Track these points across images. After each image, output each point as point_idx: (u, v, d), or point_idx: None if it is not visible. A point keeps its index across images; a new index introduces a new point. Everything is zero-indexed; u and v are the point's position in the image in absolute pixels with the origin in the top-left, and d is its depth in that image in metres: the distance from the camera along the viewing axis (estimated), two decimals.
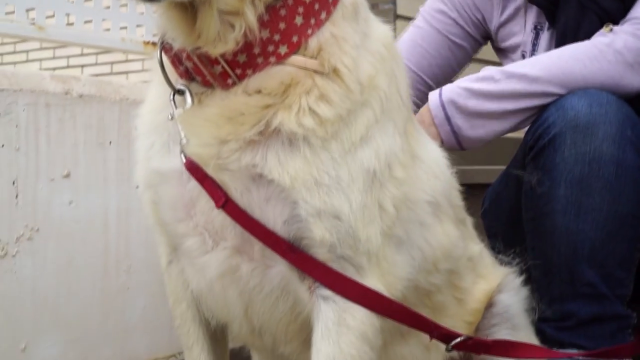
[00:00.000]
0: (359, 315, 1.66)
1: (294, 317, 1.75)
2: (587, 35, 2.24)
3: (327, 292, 1.66)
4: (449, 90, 2.27)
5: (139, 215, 2.87)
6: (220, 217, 1.69)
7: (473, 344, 1.89)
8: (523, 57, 2.55)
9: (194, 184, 1.70)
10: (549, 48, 2.43)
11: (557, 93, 2.15)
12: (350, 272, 1.66)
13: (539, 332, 2.17)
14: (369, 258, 1.68)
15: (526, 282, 2.15)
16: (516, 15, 2.58)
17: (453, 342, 1.85)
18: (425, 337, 1.91)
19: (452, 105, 2.23)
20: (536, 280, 2.18)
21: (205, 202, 1.70)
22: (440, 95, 2.28)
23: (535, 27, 2.51)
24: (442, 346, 1.97)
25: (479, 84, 2.21)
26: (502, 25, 2.64)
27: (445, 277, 1.95)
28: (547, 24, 2.47)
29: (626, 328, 2.18)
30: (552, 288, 2.15)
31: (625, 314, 2.17)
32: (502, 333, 2.07)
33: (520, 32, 2.57)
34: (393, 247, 1.74)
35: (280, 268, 1.69)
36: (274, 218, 1.64)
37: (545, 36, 2.47)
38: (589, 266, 2.09)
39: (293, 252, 1.65)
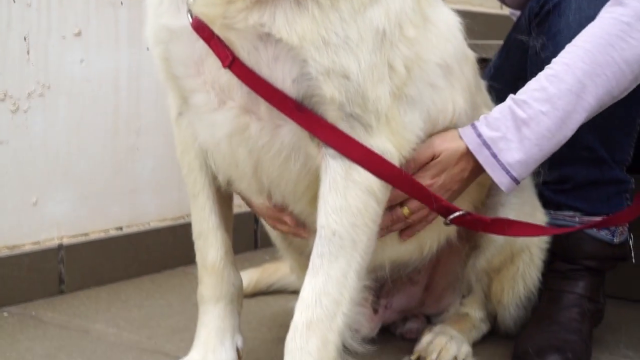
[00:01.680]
0: (364, 171, 1.69)
1: (303, 175, 1.78)
2: None
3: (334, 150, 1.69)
4: (498, 142, 1.89)
5: (149, 77, 2.89)
6: (227, 77, 1.71)
7: (471, 220, 1.92)
8: None
9: (202, 42, 1.71)
10: None
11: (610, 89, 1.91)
12: (359, 131, 1.68)
13: (540, 195, 2.21)
14: (377, 117, 1.70)
15: None
16: None
17: (451, 216, 1.89)
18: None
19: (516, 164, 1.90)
20: None
21: (213, 60, 1.72)
22: (487, 147, 1.90)
23: None
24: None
25: (528, 128, 1.88)
26: None
27: None
28: None
29: (623, 192, 2.20)
30: None
31: (623, 178, 2.19)
32: (507, 194, 2.11)
33: None
34: (403, 108, 1.75)
35: (290, 126, 1.71)
36: (282, 76, 1.66)
37: None
38: (588, 130, 2.09)
39: (300, 111, 1.67)
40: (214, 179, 1.94)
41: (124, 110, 2.85)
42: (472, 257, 2.17)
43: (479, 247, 2.14)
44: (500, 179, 1.90)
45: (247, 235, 3.28)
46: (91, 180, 2.79)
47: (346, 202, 1.67)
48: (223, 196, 1.98)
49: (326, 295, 1.65)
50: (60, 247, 2.69)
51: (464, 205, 2.03)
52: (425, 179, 1.87)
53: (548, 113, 1.88)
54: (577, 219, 2.19)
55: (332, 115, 1.66)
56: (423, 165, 1.88)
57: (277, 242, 2.38)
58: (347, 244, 1.66)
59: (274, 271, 2.72)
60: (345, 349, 1.71)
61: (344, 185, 1.67)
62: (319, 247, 1.67)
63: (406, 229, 1.93)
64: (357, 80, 1.64)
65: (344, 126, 1.67)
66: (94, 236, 2.80)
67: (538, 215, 2.19)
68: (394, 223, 1.88)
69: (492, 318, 2.29)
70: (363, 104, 1.66)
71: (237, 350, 1.94)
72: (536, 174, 2.19)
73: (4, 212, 2.57)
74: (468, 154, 1.90)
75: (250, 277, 2.68)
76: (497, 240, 2.11)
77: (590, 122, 2.04)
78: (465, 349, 2.12)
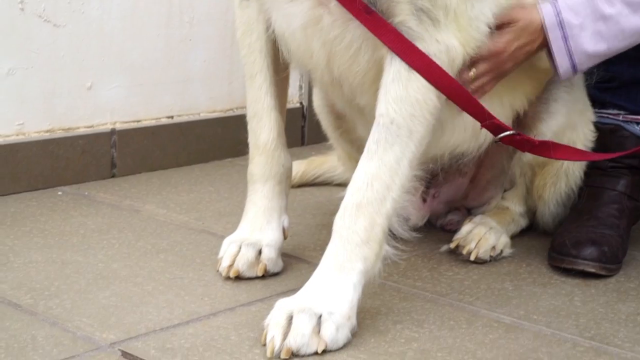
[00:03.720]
0: None
1: (370, 67, 1.80)
2: None
3: None
4: (573, 27, 1.94)
5: None
6: None
7: (520, 140, 1.94)
8: None
9: None
10: None
11: None
12: (427, 25, 1.70)
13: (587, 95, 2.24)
14: (446, 12, 1.71)
15: None
16: None
17: (501, 135, 1.91)
18: (499, 98, 2.03)
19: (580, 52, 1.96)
20: None
21: None
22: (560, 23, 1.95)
23: None
24: (510, 102, 2.09)
25: (605, 24, 1.93)
26: None
27: None
28: None
29: None
30: None
31: None
32: (560, 90, 2.15)
33: None
34: (471, 3, 1.77)
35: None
36: None
37: None
38: None
39: (368, 14, 1.70)
40: (272, 61, 1.98)
41: (177, 1, 2.89)
42: (519, 151, 2.20)
43: None
44: (562, 62, 1.94)
45: (294, 132, 3.33)
46: (144, 69, 2.85)
47: (407, 92, 1.70)
48: (280, 79, 2.02)
49: (378, 180, 1.69)
50: (113, 132, 2.76)
51: (517, 97, 2.08)
52: (499, 44, 1.89)
53: (628, 16, 1.91)
54: (620, 117, 2.21)
55: (403, 9, 1.69)
56: (500, 28, 1.90)
57: (329, 132, 2.43)
58: (404, 133, 1.70)
59: (320, 164, 2.78)
60: (391, 234, 1.75)
61: (406, 77, 1.70)
62: (376, 134, 1.71)
63: None
64: None
65: (413, 21, 1.69)
66: (145, 123, 2.87)
67: (588, 114, 2.23)
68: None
69: (532, 214, 2.33)
70: None
71: (283, 230, 2.01)
72: (589, 74, 2.21)
73: (59, 95, 2.64)
74: (542, 28, 1.93)
75: (297, 168, 2.73)
76: (546, 134, 2.14)
77: None
78: (504, 239, 2.16)
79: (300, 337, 1.55)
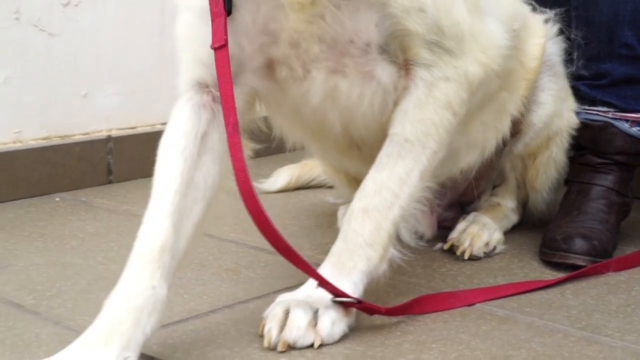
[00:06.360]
0: (445, 90, 1.73)
1: (390, 111, 1.78)
2: None
3: (421, 72, 1.71)
4: None
5: None
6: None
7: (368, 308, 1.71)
8: None
9: None
10: None
11: None
12: (440, 54, 1.71)
13: (575, 89, 2.27)
14: (459, 40, 1.72)
15: (560, 32, 2.27)
16: None
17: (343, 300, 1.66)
18: (498, 103, 2.07)
19: None
20: (576, 39, 2.25)
21: None
22: None
23: None
24: (511, 109, 2.13)
25: None
26: None
27: (515, 39, 2.02)
28: None
29: None
30: (590, 47, 2.22)
31: None
32: (545, 80, 2.21)
33: None
34: (484, 20, 1.79)
35: (382, 65, 1.72)
36: (366, 23, 1.67)
37: None
38: (629, 28, 2.15)
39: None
40: None
41: (170, 7, 2.92)
42: (509, 144, 2.25)
43: (519, 133, 2.22)
44: None
45: None
46: (138, 76, 2.89)
47: (425, 115, 1.72)
48: None
49: (386, 189, 1.71)
50: (109, 138, 2.80)
51: (517, 102, 2.14)
52: None
53: None
54: (610, 115, 2.25)
55: (415, 42, 1.70)
56: None
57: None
58: (417, 148, 1.72)
59: (312, 167, 2.81)
60: (398, 239, 1.78)
61: (425, 101, 1.73)
62: (389, 148, 1.73)
63: None
64: (432, 12, 1.69)
65: (425, 52, 1.71)
66: (140, 130, 2.91)
67: (570, 101, 2.28)
68: None
69: (522, 209, 2.38)
70: (440, 32, 1.70)
71: None
72: (568, 61, 2.26)
73: (55, 103, 2.68)
74: None
75: (291, 172, 2.78)
76: (536, 125, 2.21)
77: (631, 20, 2.10)
78: (497, 236, 2.19)
79: (296, 330, 1.58)
